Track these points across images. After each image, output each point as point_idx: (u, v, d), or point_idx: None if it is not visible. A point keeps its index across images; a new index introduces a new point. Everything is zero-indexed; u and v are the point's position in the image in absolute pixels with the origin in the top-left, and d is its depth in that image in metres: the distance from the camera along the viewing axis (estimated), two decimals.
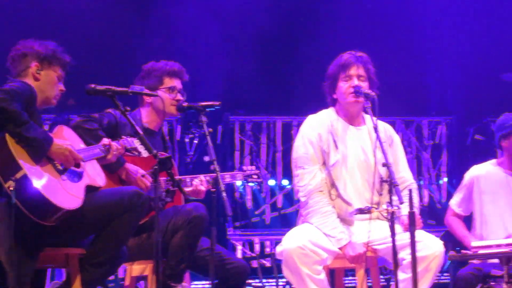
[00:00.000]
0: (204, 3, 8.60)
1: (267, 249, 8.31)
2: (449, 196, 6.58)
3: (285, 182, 8.81)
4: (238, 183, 5.25)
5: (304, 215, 4.85)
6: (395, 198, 4.26)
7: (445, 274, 7.44)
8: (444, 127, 9.02)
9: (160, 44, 8.26)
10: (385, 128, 5.01)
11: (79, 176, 4.27)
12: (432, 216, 8.52)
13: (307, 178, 4.80)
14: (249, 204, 8.68)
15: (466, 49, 8.78)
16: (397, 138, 5.08)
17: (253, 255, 8.03)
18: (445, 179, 8.96)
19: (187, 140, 8.37)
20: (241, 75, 8.55)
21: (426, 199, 8.87)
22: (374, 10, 8.76)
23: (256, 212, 8.73)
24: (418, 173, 8.87)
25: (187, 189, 5.01)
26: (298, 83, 8.44)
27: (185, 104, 4.78)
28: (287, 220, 8.54)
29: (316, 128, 4.88)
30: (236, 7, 8.46)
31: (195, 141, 8.35)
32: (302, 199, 4.86)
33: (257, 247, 8.32)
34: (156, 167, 4.15)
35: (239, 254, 8.12)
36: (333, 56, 5.00)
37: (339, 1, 8.72)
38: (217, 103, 4.67)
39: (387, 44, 8.45)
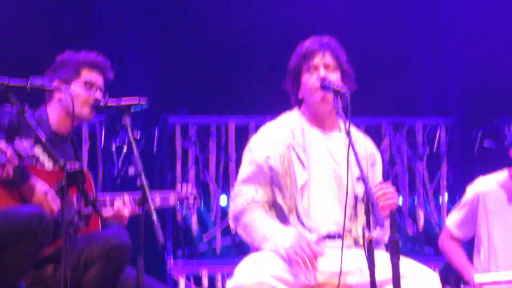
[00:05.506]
0: None
1: (218, 284, 8.29)
2: None
3: None
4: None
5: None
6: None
7: None
8: (443, 131, 8.99)
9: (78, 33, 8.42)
10: (365, 143, 4.93)
11: None
12: (430, 242, 8.57)
13: (239, 200, 4.74)
14: (194, 228, 8.64)
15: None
16: (379, 159, 4.99)
17: None
18: (445, 196, 8.94)
19: (113, 148, 8.32)
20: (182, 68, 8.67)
21: (421, 222, 8.85)
22: None
23: (204, 238, 8.75)
24: (410, 189, 8.84)
25: (106, 212, 4.98)
26: (255, 76, 8.52)
27: (102, 103, 4.84)
28: (242, 247, 8.38)
29: (269, 145, 4.78)
30: None
31: (124, 150, 8.32)
32: (231, 224, 4.87)
33: (205, 282, 8.31)
34: (64, 182, 4.21)
35: None
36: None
37: None
38: (144, 101, 4.64)
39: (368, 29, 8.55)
